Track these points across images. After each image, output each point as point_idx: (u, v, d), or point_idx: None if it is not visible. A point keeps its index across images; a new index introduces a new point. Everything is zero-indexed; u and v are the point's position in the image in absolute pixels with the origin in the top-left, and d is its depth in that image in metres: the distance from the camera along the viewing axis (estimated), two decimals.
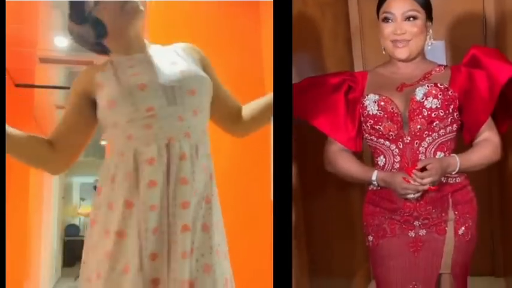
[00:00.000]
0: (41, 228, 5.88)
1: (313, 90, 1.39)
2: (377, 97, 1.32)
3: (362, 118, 1.35)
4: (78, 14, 1.22)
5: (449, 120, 1.29)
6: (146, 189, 1.04)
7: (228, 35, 2.61)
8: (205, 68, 1.25)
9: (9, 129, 1.10)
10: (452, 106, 1.28)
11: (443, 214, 1.30)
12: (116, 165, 1.09)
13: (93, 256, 1.09)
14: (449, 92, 1.28)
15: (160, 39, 2.75)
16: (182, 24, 2.58)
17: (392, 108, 1.30)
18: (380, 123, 1.31)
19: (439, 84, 1.29)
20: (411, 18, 1.30)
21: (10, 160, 1.25)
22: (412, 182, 1.24)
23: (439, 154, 1.30)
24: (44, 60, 3.99)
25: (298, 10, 1.82)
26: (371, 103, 1.32)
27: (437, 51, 2.17)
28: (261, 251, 2.38)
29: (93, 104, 1.19)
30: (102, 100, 1.14)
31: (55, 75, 4.59)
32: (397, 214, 1.33)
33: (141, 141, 1.07)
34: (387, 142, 1.33)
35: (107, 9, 1.18)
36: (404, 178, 1.25)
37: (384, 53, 1.38)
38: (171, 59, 1.18)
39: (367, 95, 1.33)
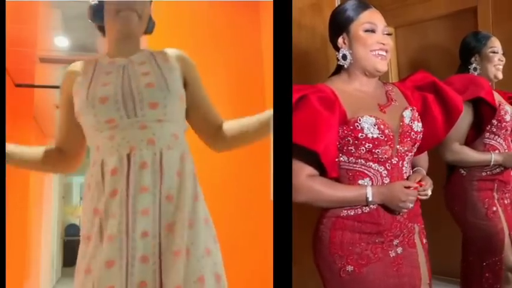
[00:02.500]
0: (41, 228, 5.89)
1: (298, 110, 1.25)
2: (373, 119, 1.25)
3: (351, 141, 1.25)
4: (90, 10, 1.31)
5: None
6: (109, 198, 1.10)
7: (228, 35, 2.61)
8: (188, 78, 1.29)
9: (16, 149, 1.21)
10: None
11: (412, 228, 1.34)
12: (91, 174, 1.16)
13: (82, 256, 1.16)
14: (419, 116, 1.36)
15: (160, 39, 2.74)
16: (182, 24, 2.58)
17: (388, 131, 1.26)
18: (379, 147, 1.25)
19: (416, 108, 1.35)
20: (387, 34, 1.32)
21: None
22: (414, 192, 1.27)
23: (410, 170, 1.36)
24: (44, 60, 3.99)
25: None
26: (370, 126, 1.24)
27: None
28: (261, 251, 2.38)
29: None
30: (75, 108, 1.22)
31: (55, 75, 4.59)
32: (381, 236, 1.28)
33: (106, 152, 1.13)
34: (376, 164, 1.27)
35: (107, 11, 1.27)
36: (405, 186, 1.26)
37: (342, 63, 1.33)
38: (146, 69, 1.22)
39: (362, 117, 1.24)
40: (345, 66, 1.33)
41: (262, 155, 2.61)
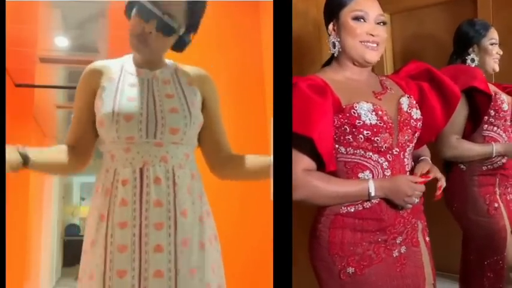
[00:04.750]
0: (41, 228, 5.89)
1: (293, 97, 1.18)
2: (370, 105, 1.17)
3: (348, 129, 1.18)
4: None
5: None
6: (118, 206, 1.12)
7: (228, 35, 2.61)
8: (207, 101, 1.29)
9: (33, 151, 1.13)
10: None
11: (415, 225, 1.28)
12: (102, 179, 1.18)
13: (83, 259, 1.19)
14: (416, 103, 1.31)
15: None
16: None
17: (387, 118, 1.18)
18: (378, 134, 1.17)
19: (412, 96, 1.30)
20: (382, 23, 1.24)
21: None
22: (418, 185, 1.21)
23: (412, 162, 1.30)
24: (44, 60, 3.99)
25: None
26: (367, 112, 1.16)
27: None
28: (261, 251, 2.38)
29: None
30: (97, 113, 1.20)
31: (55, 75, 4.59)
32: (384, 233, 1.20)
33: (120, 162, 1.15)
34: (376, 155, 1.19)
35: (134, 21, 1.18)
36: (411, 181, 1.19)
37: (332, 51, 1.27)
38: (170, 91, 1.22)
39: (358, 103, 1.17)
40: (335, 54, 1.27)
41: (262, 154, 2.61)
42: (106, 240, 1.11)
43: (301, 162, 1.19)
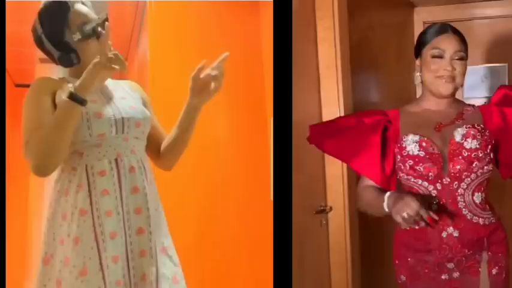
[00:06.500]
0: (41, 228, 5.88)
1: (349, 131, 1.39)
2: (417, 137, 1.31)
3: (399, 158, 1.34)
4: (55, 40, 1.31)
5: (486, 160, 1.31)
6: (100, 197, 1.19)
7: (228, 35, 2.61)
8: (146, 104, 1.41)
9: None
10: (490, 146, 1.31)
11: (477, 255, 1.31)
12: (67, 178, 1.21)
13: (52, 265, 1.25)
14: (486, 133, 1.32)
15: (160, 39, 2.73)
16: (182, 25, 2.58)
17: (433, 149, 1.30)
18: (421, 164, 1.30)
19: (476, 125, 1.32)
20: (459, 59, 1.34)
21: (10, 160, 1.25)
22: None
23: (477, 195, 1.31)
24: (44, 60, 3.98)
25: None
26: (411, 143, 1.31)
27: (501, 74, 2.26)
28: (261, 251, 2.38)
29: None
30: None
31: (55, 75, 4.60)
32: (431, 255, 1.31)
33: (93, 157, 1.22)
34: (425, 183, 1.32)
35: (83, 42, 1.30)
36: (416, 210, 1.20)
37: (416, 83, 1.41)
38: (121, 94, 1.34)
39: (407, 135, 1.32)
40: (422, 85, 1.40)
41: (262, 154, 2.62)
42: (95, 231, 1.17)
43: (365, 179, 1.42)
